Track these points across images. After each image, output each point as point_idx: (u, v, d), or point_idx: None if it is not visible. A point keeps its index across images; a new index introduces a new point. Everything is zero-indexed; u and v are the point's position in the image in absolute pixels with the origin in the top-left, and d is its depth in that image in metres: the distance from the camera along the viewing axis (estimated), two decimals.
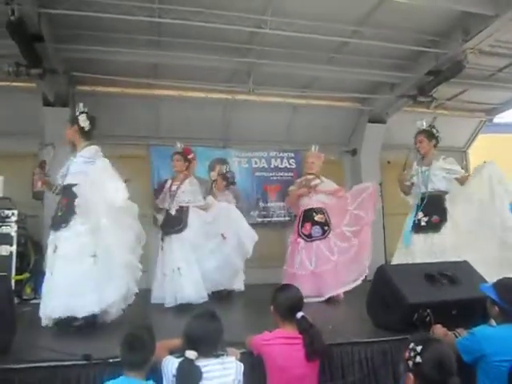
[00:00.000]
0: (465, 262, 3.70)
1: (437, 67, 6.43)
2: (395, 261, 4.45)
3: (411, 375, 1.79)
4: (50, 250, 3.73)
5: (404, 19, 5.66)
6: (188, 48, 6.01)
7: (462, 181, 4.32)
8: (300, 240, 5.17)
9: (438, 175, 4.35)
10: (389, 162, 8.51)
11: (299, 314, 2.56)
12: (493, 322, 2.61)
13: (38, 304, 3.61)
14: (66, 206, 3.73)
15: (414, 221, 4.35)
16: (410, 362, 1.81)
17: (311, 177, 5.37)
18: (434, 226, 4.23)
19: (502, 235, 3.99)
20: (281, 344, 2.46)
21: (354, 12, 5.59)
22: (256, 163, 8.13)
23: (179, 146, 5.26)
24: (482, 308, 2.60)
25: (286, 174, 8.14)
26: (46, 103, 6.58)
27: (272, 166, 8.18)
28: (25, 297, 5.60)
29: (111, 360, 2.41)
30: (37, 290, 5.75)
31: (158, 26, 5.66)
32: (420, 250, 4.22)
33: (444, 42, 6.10)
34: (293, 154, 8.27)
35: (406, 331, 2.88)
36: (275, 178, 8.20)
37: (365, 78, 7.18)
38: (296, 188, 5.43)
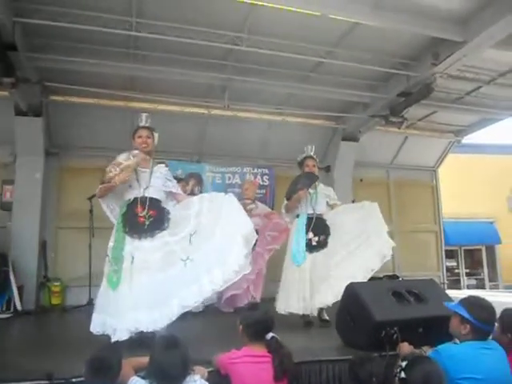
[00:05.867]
0: (431, 280, 3.78)
1: (407, 89, 6.60)
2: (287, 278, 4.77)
3: None
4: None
5: (377, 42, 5.83)
6: (164, 62, 6.01)
7: (334, 207, 5.06)
8: None
9: (323, 200, 5.00)
10: (361, 180, 8.68)
11: (269, 335, 2.55)
12: (457, 340, 2.65)
13: (4, 319, 3.42)
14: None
15: (306, 240, 4.72)
16: (396, 379, 1.83)
17: (248, 201, 6.02)
18: (323, 245, 4.72)
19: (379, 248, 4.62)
20: (248, 363, 2.43)
21: (329, 34, 5.70)
22: (229, 179, 8.04)
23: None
24: (448, 326, 2.65)
25: (258, 191, 7.55)
26: (18, 112, 6.43)
27: None
28: None
29: (74, 379, 2.34)
30: None
31: (135, 40, 5.63)
32: (309, 267, 4.61)
33: (415, 65, 6.29)
34: (267, 170, 8.25)
35: (374, 349, 2.92)
36: None
37: (338, 98, 7.29)
38: None
